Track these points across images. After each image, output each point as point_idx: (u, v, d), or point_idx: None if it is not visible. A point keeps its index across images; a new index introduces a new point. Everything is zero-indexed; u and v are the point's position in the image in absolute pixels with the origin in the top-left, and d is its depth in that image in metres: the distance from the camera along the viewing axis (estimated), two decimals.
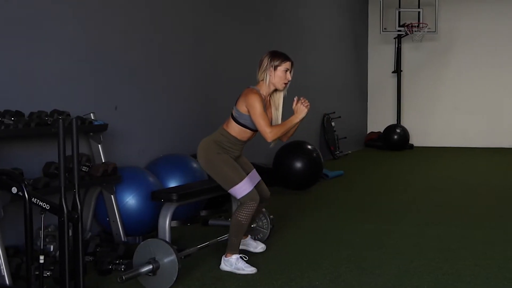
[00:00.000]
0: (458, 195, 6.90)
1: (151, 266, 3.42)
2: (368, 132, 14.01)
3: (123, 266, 3.73)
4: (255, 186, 3.91)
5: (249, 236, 4.31)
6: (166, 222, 3.76)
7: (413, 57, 13.82)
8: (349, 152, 11.80)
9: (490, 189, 7.30)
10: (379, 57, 14.12)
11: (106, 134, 4.60)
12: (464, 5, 13.58)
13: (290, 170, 7.04)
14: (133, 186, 4.55)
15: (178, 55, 6.20)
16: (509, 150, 12.48)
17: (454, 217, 5.58)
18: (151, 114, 5.67)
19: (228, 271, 3.78)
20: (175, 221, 5.07)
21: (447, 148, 12.90)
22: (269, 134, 3.73)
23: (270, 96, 3.95)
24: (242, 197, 3.78)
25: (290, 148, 7.21)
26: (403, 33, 13.17)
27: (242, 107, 3.81)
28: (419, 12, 13.00)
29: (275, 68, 3.86)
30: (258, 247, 4.26)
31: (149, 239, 3.60)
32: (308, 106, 3.86)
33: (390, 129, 12.78)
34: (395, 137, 12.61)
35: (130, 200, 4.51)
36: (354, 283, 3.54)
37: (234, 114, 3.87)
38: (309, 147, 7.29)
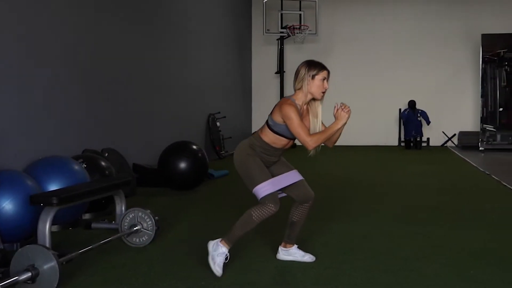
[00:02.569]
0: (339, 189, 7.16)
1: (30, 274, 3.28)
2: (253, 131, 14.20)
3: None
4: (295, 185, 3.92)
5: (295, 245, 4.14)
6: (46, 227, 3.62)
7: (295, 58, 14.16)
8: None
9: (368, 182, 7.66)
10: (263, 58, 14.37)
11: None
12: (343, 8, 14.15)
13: (175, 170, 7.01)
14: (10, 190, 4.33)
15: (58, 53, 5.99)
16: (383, 147, 13.14)
17: (337, 211, 5.78)
18: (29, 114, 5.44)
19: (208, 251, 3.76)
20: (56, 226, 4.90)
21: (327, 147, 13.31)
22: (309, 142, 3.72)
23: (308, 104, 3.95)
24: (262, 197, 3.73)
25: (174, 148, 7.18)
26: (286, 34, 13.49)
27: (277, 117, 3.79)
28: (300, 14, 13.37)
29: (313, 77, 3.86)
30: (305, 256, 4.10)
31: (27, 245, 3.45)
32: (349, 112, 3.87)
33: None
34: None
35: (7, 205, 4.30)
36: (238, 282, 3.59)
37: (269, 122, 3.85)
38: (194, 147, 7.28)
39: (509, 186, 7.36)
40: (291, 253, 4.07)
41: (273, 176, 3.85)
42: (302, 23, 13.33)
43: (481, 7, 13.86)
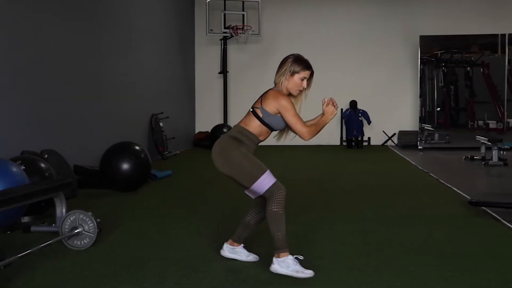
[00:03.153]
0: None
1: None
2: (196, 132, 14.16)
3: None
4: None
5: (242, 244, 4.08)
6: None
7: (238, 58, 14.21)
8: (178, 152, 11.84)
9: (312, 181, 7.75)
10: (206, 58, 14.35)
11: None
12: (285, 9, 14.27)
13: (118, 171, 6.92)
14: None
15: None
16: (325, 147, 13.32)
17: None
18: None
19: (284, 274, 3.58)
20: None
21: (273, 146, 13.41)
22: (306, 133, 3.70)
23: (293, 98, 3.90)
24: (267, 190, 3.63)
25: (117, 149, 7.09)
26: (229, 35, 13.50)
27: (271, 108, 3.72)
28: (243, 15, 13.40)
29: (293, 73, 3.81)
30: (250, 256, 4.06)
31: None
32: (337, 106, 3.84)
33: (218, 128, 13.04)
34: None
35: None
36: (182, 283, 3.57)
37: (260, 113, 3.74)
38: (137, 147, 7.21)
39: (446, 184, 7.57)
40: (236, 252, 4.04)
41: None
42: (245, 24, 13.37)
43: (419, 9, 14.22)
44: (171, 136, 11.50)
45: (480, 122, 13.81)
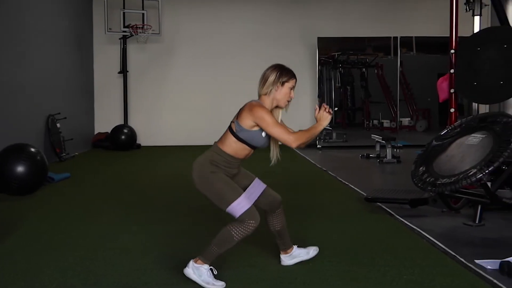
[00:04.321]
0: (183, 192, 7.18)
1: None
2: (96, 132, 13.84)
3: None
4: (262, 195, 3.75)
5: (295, 246, 3.98)
6: None
7: (138, 58, 14.01)
8: (76, 153, 11.52)
9: None
10: (105, 58, 14.04)
11: None
12: (186, 9, 14.22)
13: (12, 174, 6.65)
14: None
15: None
16: None
17: (178, 213, 5.80)
18: None
19: (192, 279, 3.51)
20: None
21: (172, 147, 13.37)
22: (292, 140, 3.53)
23: (271, 111, 3.68)
24: (240, 215, 3.47)
25: (10, 151, 6.82)
26: (128, 34, 13.29)
27: (245, 122, 3.55)
28: (143, 14, 13.23)
29: (283, 84, 3.64)
30: (310, 251, 3.98)
31: None
32: (331, 113, 3.66)
33: (118, 129, 12.82)
34: (123, 137, 12.71)
35: None
36: (82, 286, 3.49)
37: (235, 128, 3.59)
38: (33, 150, 6.96)
39: (344, 181, 7.82)
40: (295, 256, 3.97)
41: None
42: (145, 23, 13.20)
43: (316, 12, 14.59)
44: (69, 137, 11.17)
45: (375, 122, 14.39)
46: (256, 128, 3.59)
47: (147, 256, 4.16)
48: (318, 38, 13.79)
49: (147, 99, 14.03)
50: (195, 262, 3.56)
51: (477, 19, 6.42)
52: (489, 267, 3.81)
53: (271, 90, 3.65)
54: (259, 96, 3.72)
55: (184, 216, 5.66)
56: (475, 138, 5.10)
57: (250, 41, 14.50)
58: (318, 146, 13.44)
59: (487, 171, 4.64)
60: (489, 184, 5.05)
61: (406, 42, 14.12)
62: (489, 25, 6.62)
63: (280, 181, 8.09)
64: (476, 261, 3.94)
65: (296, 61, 14.12)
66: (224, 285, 3.51)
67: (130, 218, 5.58)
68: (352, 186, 7.38)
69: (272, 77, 3.65)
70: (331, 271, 3.80)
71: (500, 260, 3.79)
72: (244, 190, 3.65)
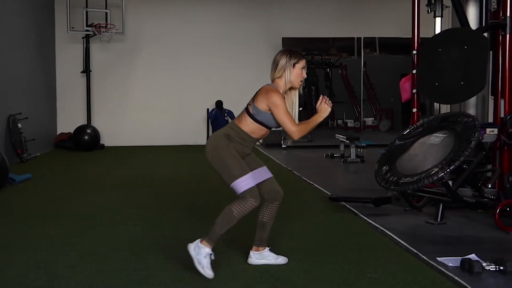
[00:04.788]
0: (146, 192, 7.14)
1: None
2: (58, 133, 13.64)
3: None
4: (266, 182, 3.88)
5: (267, 248, 3.97)
6: None
7: (102, 57, 13.87)
8: (38, 154, 11.34)
9: (175, 183, 7.74)
10: (68, 57, 13.86)
11: None
12: (150, 8, 14.13)
13: None
14: None
15: None
16: (192, 147, 13.37)
17: (143, 214, 5.76)
18: None
19: (191, 255, 3.60)
20: None
21: (137, 147, 13.26)
22: (295, 132, 3.73)
23: (285, 94, 3.81)
24: (242, 192, 3.62)
25: None
26: (91, 33, 13.14)
27: (261, 105, 3.71)
28: (106, 13, 13.10)
29: (294, 65, 3.75)
30: (279, 258, 3.95)
31: None
32: (331, 105, 3.78)
33: (81, 129, 12.69)
34: (86, 137, 12.59)
35: None
36: None
37: (251, 110, 3.74)
38: None
39: (308, 181, 7.87)
40: (264, 256, 3.96)
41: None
42: (109, 22, 13.07)
43: (281, 12, 14.62)
44: (31, 138, 10.99)
45: (340, 121, 14.51)
46: (270, 111, 3.75)
47: (112, 258, 4.11)
48: (283, 38, 13.83)
49: (110, 99, 13.89)
50: (201, 242, 3.64)
51: (438, 20, 6.54)
52: (450, 264, 3.88)
53: (284, 73, 3.79)
54: (273, 80, 3.85)
55: (149, 215, 5.62)
56: (436, 137, 5.18)
57: (215, 41, 14.47)
58: (283, 146, 13.47)
59: (448, 170, 4.72)
60: (450, 182, 5.13)
61: (369, 42, 14.29)
62: (450, 27, 6.72)
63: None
64: (438, 258, 4.00)
65: (260, 60, 14.12)
66: (212, 276, 3.56)
67: (93, 220, 5.51)
68: (317, 186, 7.42)
69: (283, 61, 3.79)
70: (294, 270, 3.81)
71: (461, 258, 3.86)
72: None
